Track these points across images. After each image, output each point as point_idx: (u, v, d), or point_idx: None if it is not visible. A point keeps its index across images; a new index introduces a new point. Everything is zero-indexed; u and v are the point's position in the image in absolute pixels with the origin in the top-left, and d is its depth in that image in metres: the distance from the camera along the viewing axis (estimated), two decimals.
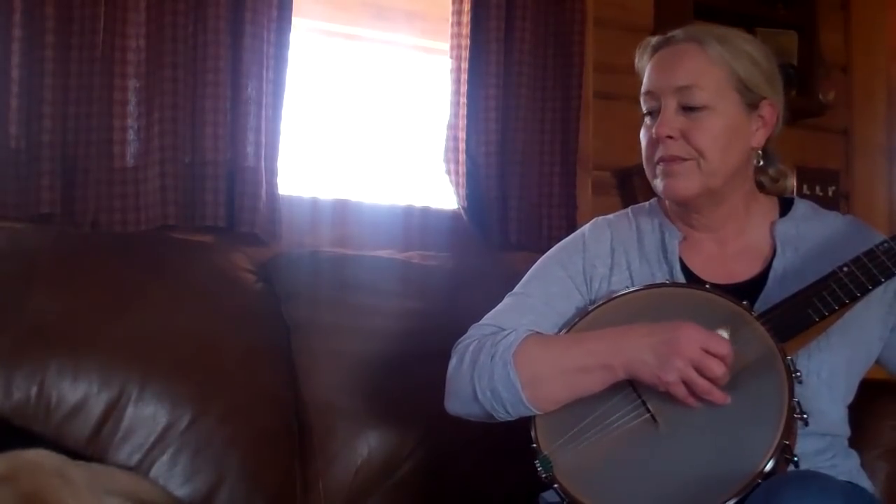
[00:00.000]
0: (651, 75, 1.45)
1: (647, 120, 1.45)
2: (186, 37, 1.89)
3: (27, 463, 1.23)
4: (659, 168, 1.43)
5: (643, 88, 1.46)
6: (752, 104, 1.42)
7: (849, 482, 1.36)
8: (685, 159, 1.40)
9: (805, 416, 1.23)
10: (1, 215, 1.74)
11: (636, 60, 1.50)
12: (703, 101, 1.39)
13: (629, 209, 1.58)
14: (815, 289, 1.31)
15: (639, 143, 1.53)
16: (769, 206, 1.51)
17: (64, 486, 1.21)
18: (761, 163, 1.47)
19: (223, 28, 1.90)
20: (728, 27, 1.47)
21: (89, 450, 1.53)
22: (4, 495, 1.15)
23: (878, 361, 1.47)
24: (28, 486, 1.18)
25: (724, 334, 1.27)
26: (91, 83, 1.80)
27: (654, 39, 1.48)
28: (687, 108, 1.40)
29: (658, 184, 1.44)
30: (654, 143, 1.43)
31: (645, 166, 1.47)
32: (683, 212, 1.48)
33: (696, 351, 1.23)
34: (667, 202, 1.52)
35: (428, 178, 2.31)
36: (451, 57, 2.20)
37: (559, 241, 1.58)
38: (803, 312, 1.31)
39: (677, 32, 1.45)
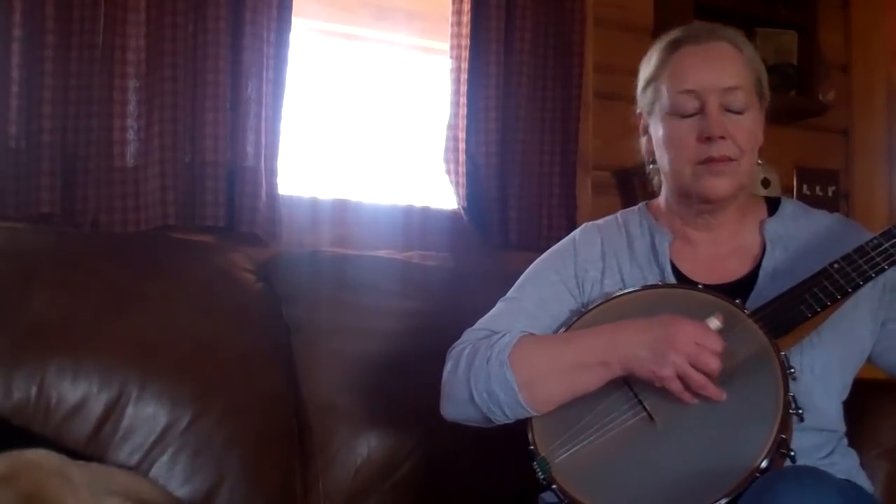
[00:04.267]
0: (690, 73, 1.40)
1: (680, 119, 1.41)
2: (186, 37, 1.89)
3: (27, 463, 1.23)
4: (704, 168, 1.39)
5: (679, 86, 1.40)
6: (762, 104, 1.46)
7: (846, 480, 1.36)
8: (732, 159, 1.40)
9: (800, 411, 1.24)
10: (1, 215, 1.74)
11: (651, 57, 1.46)
12: (744, 102, 1.40)
13: (617, 213, 1.58)
14: (807, 285, 1.32)
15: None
16: (757, 205, 1.52)
17: (64, 485, 1.22)
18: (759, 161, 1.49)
19: (223, 28, 1.90)
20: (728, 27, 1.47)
21: (89, 450, 1.53)
22: (4, 495, 1.15)
23: (869, 359, 1.47)
24: (28, 486, 1.18)
25: (718, 321, 1.27)
26: (91, 83, 1.80)
27: (675, 35, 1.45)
28: (728, 109, 1.40)
29: (699, 183, 1.40)
30: (699, 141, 1.39)
31: (679, 166, 1.42)
32: (697, 212, 1.46)
33: (690, 345, 1.23)
34: (662, 203, 1.52)
35: (428, 178, 2.31)
36: (451, 57, 2.21)
37: (559, 241, 1.58)
38: (795, 309, 1.31)
39: (699, 31, 1.44)
